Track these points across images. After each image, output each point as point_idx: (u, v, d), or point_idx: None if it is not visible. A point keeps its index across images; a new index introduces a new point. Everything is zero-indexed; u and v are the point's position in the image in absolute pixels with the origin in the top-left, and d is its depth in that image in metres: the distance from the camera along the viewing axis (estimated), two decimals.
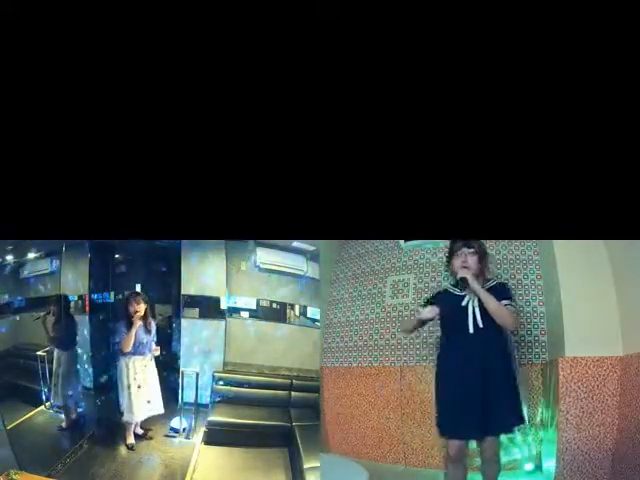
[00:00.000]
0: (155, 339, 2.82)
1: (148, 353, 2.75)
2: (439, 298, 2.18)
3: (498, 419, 1.95)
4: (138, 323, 2.66)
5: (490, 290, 2.05)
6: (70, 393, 2.80)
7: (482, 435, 1.99)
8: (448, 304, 2.11)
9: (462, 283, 2.05)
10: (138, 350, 2.71)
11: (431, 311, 2.11)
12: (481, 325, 2.01)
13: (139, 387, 2.68)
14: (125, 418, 2.66)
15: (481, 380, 1.97)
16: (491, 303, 1.98)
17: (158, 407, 2.77)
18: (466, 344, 2.03)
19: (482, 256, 2.10)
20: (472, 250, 2.07)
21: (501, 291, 2.07)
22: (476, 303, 2.03)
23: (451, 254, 2.13)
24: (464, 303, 2.06)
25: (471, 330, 2.02)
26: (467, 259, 2.06)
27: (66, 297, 2.97)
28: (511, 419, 2.01)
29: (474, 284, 2.01)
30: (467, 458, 2.10)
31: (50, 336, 2.77)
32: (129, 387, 2.67)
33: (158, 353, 2.80)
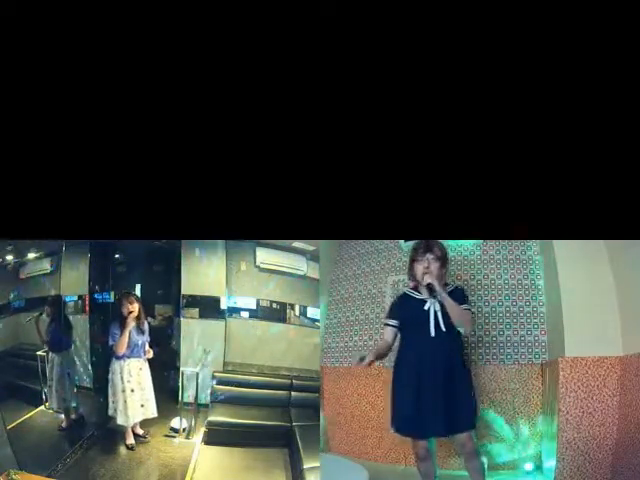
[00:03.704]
0: (148, 339, 2.80)
1: (143, 355, 2.73)
2: (400, 303, 2.26)
3: (462, 416, 2.05)
4: (132, 324, 2.64)
5: (450, 294, 2.11)
6: (63, 396, 2.77)
7: (448, 433, 2.09)
8: (409, 308, 2.19)
9: (428, 289, 2.11)
10: (133, 352, 2.69)
11: (390, 333, 2.22)
12: (443, 328, 2.08)
13: (132, 390, 2.66)
14: (119, 421, 2.65)
15: (443, 381, 2.05)
16: (454, 308, 2.06)
17: (152, 410, 2.75)
18: (427, 346, 2.09)
19: (444, 262, 2.16)
20: (434, 256, 2.12)
21: (460, 296, 2.14)
22: (438, 307, 2.09)
23: (413, 259, 2.17)
24: (426, 307, 2.12)
25: (432, 333, 2.09)
26: (430, 265, 2.11)
27: (61, 298, 2.96)
28: (472, 415, 2.11)
29: (441, 290, 2.07)
30: (435, 453, 2.22)
31: (42, 338, 2.75)
32: (123, 390, 2.65)
33: (151, 355, 2.78)
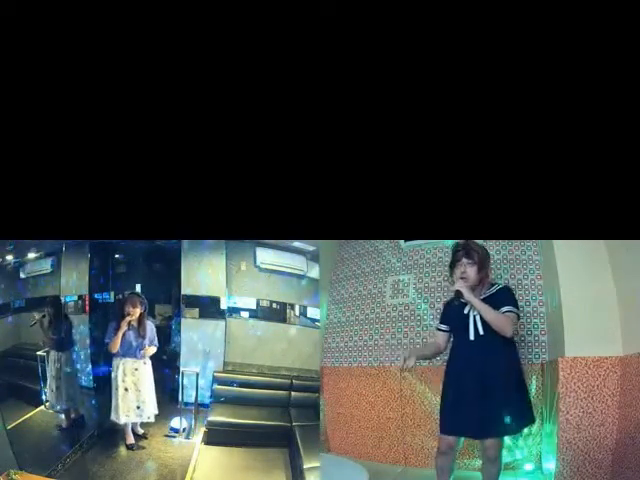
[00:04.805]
0: (156, 343, 2.81)
1: (140, 356, 2.74)
2: (448, 307, 2.31)
3: (495, 421, 2.01)
4: (124, 327, 2.65)
5: (492, 297, 2.12)
6: (72, 395, 2.79)
7: (478, 435, 2.10)
8: (453, 312, 2.22)
9: (456, 295, 2.12)
10: (128, 352, 2.69)
11: (440, 336, 2.29)
12: (481, 332, 2.09)
13: (126, 390, 2.67)
14: (112, 417, 2.67)
15: (480, 383, 2.04)
16: (487, 313, 2.05)
17: (149, 414, 2.74)
18: (467, 349, 2.12)
19: (482, 266, 2.14)
20: (471, 261, 2.12)
21: (503, 297, 2.12)
22: (476, 311, 2.11)
23: (453, 264, 2.18)
24: (466, 311, 2.15)
25: (472, 337, 2.11)
26: (466, 270, 2.12)
27: (61, 298, 2.97)
28: (512, 422, 2.05)
29: (469, 296, 2.07)
30: (455, 450, 2.20)
31: (48, 338, 2.76)
32: (117, 389, 2.66)
33: (150, 353, 2.78)
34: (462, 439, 2.20)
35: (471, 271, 2.11)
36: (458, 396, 2.09)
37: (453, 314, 2.22)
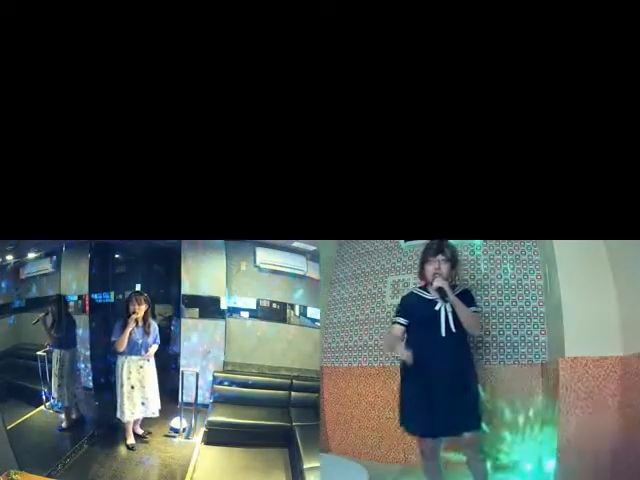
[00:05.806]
0: (158, 341, 2.82)
1: (144, 354, 2.75)
2: (410, 302, 2.27)
3: (469, 416, 2.06)
4: (132, 324, 2.67)
5: (458, 297, 2.13)
6: (75, 392, 2.83)
7: (457, 433, 2.09)
8: (419, 308, 2.20)
9: (439, 292, 2.13)
10: (133, 350, 2.71)
11: (399, 331, 2.24)
12: (453, 329, 2.11)
13: (132, 387, 2.69)
14: (118, 415, 2.68)
15: (452, 380, 2.06)
16: (463, 311, 2.09)
17: (153, 409, 2.77)
18: (437, 346, 2.11)
19: (454, 264, 2.19)
20: (445, 257, 2.15)
21: (468, 298, 2.18)
22: (449, 308, 2.12)
23: (424, 260, 2.19)
24: (437, 307, 2.14)
25: (443, 334, 2.11)
26: (440, 266, 2.14)
27: (65, 297, 2.98)
28: (479, 416, 2.12)
29: (450, 294, 2.09)
30: (441, 452, 2.19)
31: (51, 336, 2.77)
32: (122, 387, 2.68)
33: (151, 353, 2.79)
34: (443, 440, 2.18)
35: (445, 268, 2.14)
36: (433, 394, 2.06)
37: (419, 309, 2.19)
